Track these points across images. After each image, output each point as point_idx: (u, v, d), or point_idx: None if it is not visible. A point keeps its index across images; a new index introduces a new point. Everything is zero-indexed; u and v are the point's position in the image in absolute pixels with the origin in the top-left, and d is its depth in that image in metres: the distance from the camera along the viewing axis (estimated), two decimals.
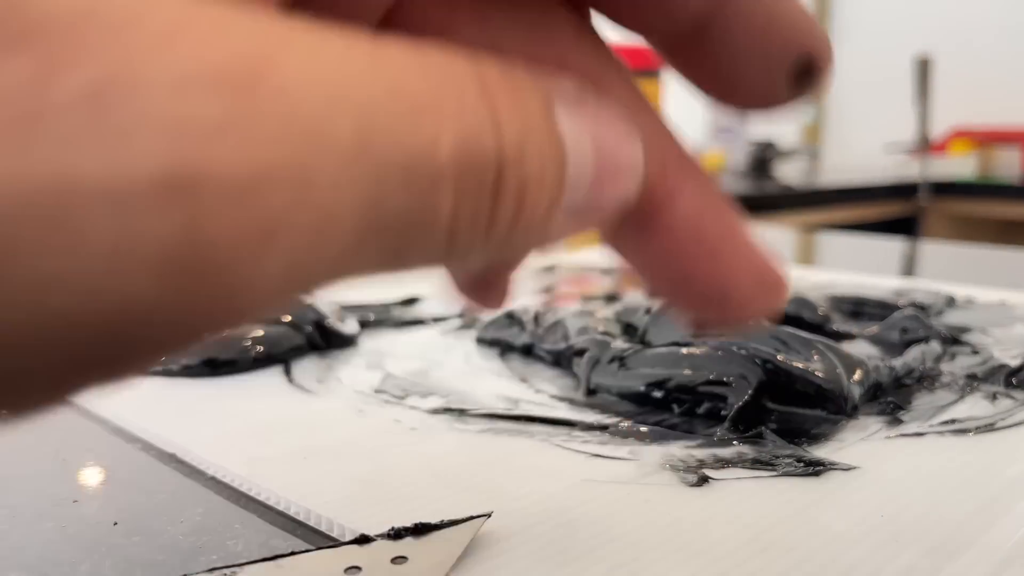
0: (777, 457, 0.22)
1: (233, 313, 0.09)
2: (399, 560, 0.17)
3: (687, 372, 0.26)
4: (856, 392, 0.26)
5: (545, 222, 0.11)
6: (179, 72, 0.08)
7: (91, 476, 0.22)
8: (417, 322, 0.38)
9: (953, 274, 0.54)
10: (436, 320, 0.39)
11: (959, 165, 1.85)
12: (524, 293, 0.47)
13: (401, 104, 0.09)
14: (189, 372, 0.29)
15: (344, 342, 0.34)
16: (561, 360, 0.31)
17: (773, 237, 0.91)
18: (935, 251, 0.81)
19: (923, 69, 1.65)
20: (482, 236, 0.11)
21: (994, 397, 0.27)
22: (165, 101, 0.08)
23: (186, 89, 0.08)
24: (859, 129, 2.31)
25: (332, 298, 0.38)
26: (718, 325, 0.14)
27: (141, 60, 0.08)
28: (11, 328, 0.08)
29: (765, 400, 0.26)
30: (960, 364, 0.31)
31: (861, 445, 0.23)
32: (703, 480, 0.21)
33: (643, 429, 0.24)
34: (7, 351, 0.08)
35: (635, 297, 0.40)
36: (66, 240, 0.08)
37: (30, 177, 0.07)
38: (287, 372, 0.30)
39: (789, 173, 1.94)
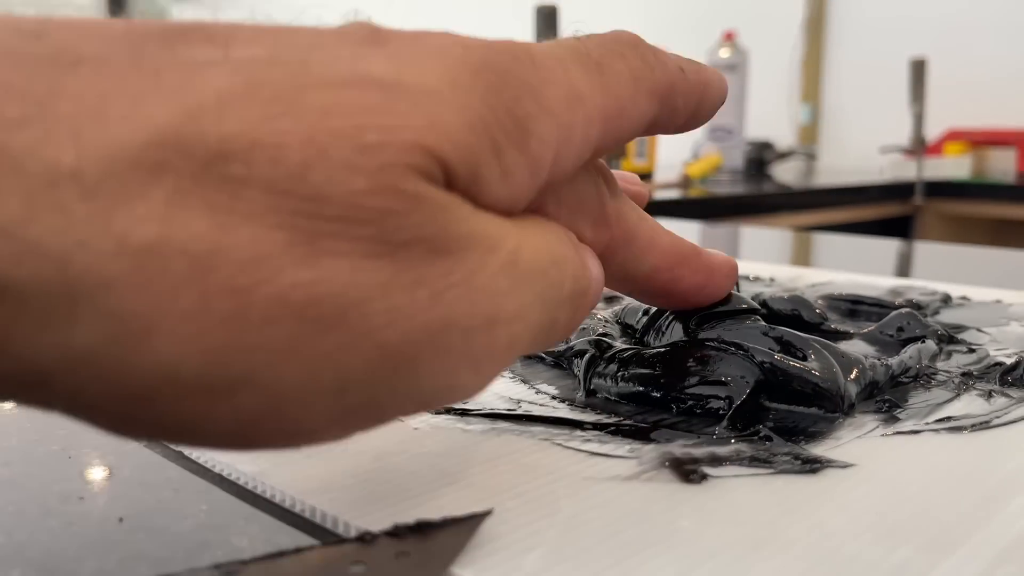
0: (774, 455, 0.22)
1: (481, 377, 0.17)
2: (402, 556, 0.17)
3: (685, 372, 0.26)
4: (852, 390, 0.26)
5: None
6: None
7: (97, 473, 0.23)
8: None
9: (949, 273, 0.54)
10: None
11: (954, 166, 1.85)
12: None
13: (554, 262, 0.18)
14: None
15: None
16: (561, 361, 0.31)
17: (770, 237, 0.91)
18: (931, 251, 0.81)
19: (918, 71, 1.65)
20: (570, 331, 0.19)
21: (989, 395, 0.27)
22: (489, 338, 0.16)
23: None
24: (855, 130, 2.32)
25: None
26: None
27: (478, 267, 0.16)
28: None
29: (763, 399, 0.26)
30: (956, 362, 0.31)
31: (857, 443, 0.24)
32: (702, 478, 0.21)
33: (642, 428, 0.24)
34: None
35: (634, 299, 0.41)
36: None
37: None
38: None
39: (786, 174, 1.94)
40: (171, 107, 0.13)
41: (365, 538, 0.18)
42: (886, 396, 0.27)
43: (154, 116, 0.13)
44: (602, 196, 0.21)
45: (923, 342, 0.32)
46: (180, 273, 0.12)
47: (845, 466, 0.22)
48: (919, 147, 1.69)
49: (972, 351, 0.32)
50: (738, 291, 0.28)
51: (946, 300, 0.42)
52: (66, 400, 0.13)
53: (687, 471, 0.21)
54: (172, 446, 0.24)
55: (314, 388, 0.14)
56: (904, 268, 0.67)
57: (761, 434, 0.24)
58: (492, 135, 0.15)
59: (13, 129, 0.12)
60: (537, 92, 0.17)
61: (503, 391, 0.28)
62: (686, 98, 0.21)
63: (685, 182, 1.56)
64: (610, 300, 0.44)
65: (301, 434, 0.15)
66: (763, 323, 0.29)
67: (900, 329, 0.34)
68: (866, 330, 0.35)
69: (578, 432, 0.24)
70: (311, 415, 0.15)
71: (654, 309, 0.32)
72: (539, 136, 0.16)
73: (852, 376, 0.26)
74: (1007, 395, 0.27)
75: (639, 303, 0.34)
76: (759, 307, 0.30)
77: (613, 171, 0.22)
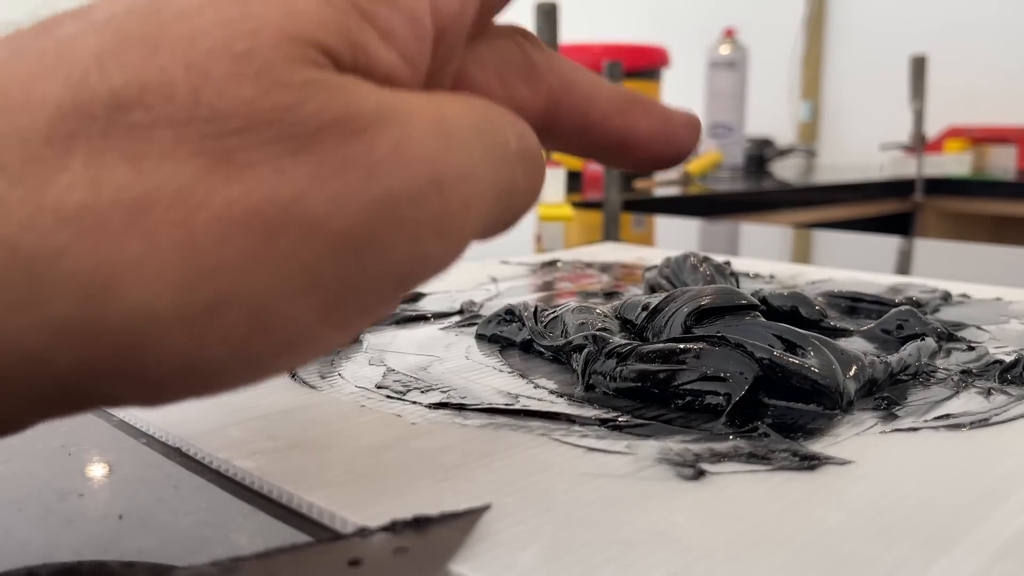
0: (773, 451, 0.22)
1: (456, 244, 0.17)
2: (399, 552, 0.17)
3: (684, 368, 0.26)
4: (851, 387, 0.26)
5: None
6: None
7: (96, 470, 0.23)
8: (418, 318, 0.39)
9: (948, 271, 0.54)
10: (437, 317, 0.39)
11: (954, 163, 1.85)
12: (524, 290, 0.47)
13: (485, 119, 0.17)
14: None
15: None
16: (560, 356, 0.31)
17: (770, 234, 0.91)
18: (931, 248, 0.81)
19: (919, 68, 1.65)
20: (533, 194, 0.19)
21: (988, 393, 0.27)
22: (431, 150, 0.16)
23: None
24: (855, 127, 2.31)
25: None
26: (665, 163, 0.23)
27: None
28: None
29: (761, 395, 0.26)
30: (955, 360, 0.31)
31: (856, 440, 0.24)
32: (699, 474, 0.21)
33: (640, 423, 0.24)
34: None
35: (633, 294, 0.41)
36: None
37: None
38: None
39: (786, 171, 1.94)
40: (58, 80, 0.14)
41: (362, 534, 0.18)
42: (885, 393, 0.27)
43: (47, 94, 0.14)
44: (524, 49, 0.21)
45: (922, 340, 0.32)
46: (119, 223, 0.13)
47: (843, 463, 0.22)
48: (919, 144, 1.69)
49: (971, 349, 0.32)
50: (738, 287, 0.29)
51: (946, 298, 0.42)
52: (73, 375, 0.14)
53: (685, 467, 0.21)
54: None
55: (287, 292, 0.15)
56: (904, 265, 0.67)
57: (759, 430, 0.24)
58: (353, 1, 0.16)
59: None
60: None
61: (501, 386, 0.28)
62: None
63: (685, 179, 1.56)
64: (610, 296, 0.44)
65: (298, 342, 0.15)
66: (762, 319, 0.29)
67: (900, 326, 0.34)
68: (865, 327, 0.35)
69: (576, 427, 0.24)
70: (296, 319, 0.15)
71: (654, 304, 0.32)
72: None
73: (851, 373, 0.26)
74: (1006, 393, 0.27)
75: (639, 298, 0.34)
76: (758, 303, 0.30)
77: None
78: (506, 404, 0.26)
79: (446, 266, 0.17)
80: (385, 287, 0.16)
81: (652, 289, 0.42)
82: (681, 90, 1.89)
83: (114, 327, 0.14)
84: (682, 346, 0.27)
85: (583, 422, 0.25)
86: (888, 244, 0.77)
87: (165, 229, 0.14)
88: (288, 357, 0.16)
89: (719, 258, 0.44)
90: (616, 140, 0.23)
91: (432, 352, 0.33)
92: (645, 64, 1.50)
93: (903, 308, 0.35)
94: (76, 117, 0.14)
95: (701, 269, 0.41)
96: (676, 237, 0.88)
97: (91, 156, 0.14)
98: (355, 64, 0.16)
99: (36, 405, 0.15)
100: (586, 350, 0.29)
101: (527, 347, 0.33)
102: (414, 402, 0.27)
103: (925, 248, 0.80)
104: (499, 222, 0.19)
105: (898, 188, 1.73)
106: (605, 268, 0.55)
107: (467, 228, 0.17)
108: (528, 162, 0.19)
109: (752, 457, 0.22)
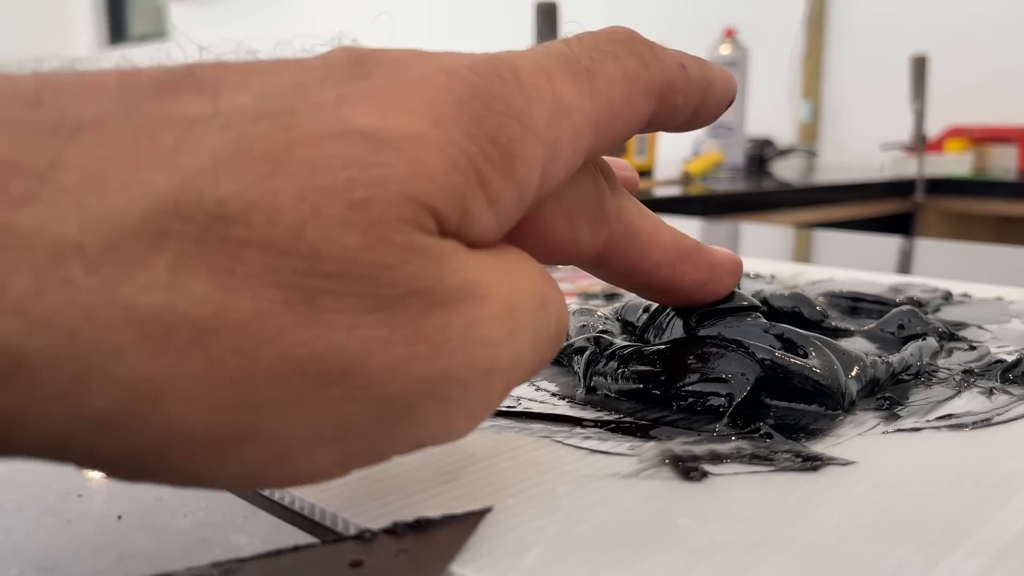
0: (775, 452, 0.22)
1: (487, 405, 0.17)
2: (401, 554, 0.17)
3: (686, 369, 0.26)
4: (853, 388, 0.26)
5: None
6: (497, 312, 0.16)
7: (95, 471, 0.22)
8: None
9: (950, 271, 0.54)
10: None
11: (955, 163, 1.85)
12: None
13: (541, 304, 0.18)
14: None
15: None
16: (561, 358, 0.31)
17: (771, 234, 0.91)
18: (932, 248, 0.81)
19: (919, 67, 1.65)
20: (547, 364, 0.19)
21: (990, 392, 0.27)
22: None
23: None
24: (856, 127, 2.31)
25: None
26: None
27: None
28: None
29: (763, 396, 0.26)
30: (957, 360, 0.31)
31: (858, 440, 0.23)
32: (702, 475, 0.21)
33: (642, 425, 0.24)
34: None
35: (634, 296, 0.41)
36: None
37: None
38: None
39: (787, 171, 1.94)
40: (168, 172, 0.13)
41: (364, 536, 0.18)
42: (887, 393, 0.27)
43: (152, 183, 0.13)
44: (601, 194, 0.21)
45: (924, 339, 0.32)
46: (185, 338, 0.13)
47: (846, 464, 0.22)
48: (920, 144, 1.69)
49: (973, 348, 0.32)
50: (739, 288, 0.28)
51: (947, 297, 0.42)
52: (84, 458, 0.14)
53: (687, 469, 0.21)
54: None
55: (317, 437, 0.15)
56: (905, 265, 0.67)
57: (762, 431, 0.24)
58: (477, 167, 0.16)
59: (20, 206, 0.12)
60: (522, 112, 0.16)
61: None
62: (687, 95, 0.21)
63: (685, 179, 1.56)
64: (610, 297, 0.44)
65: (303, 477, 0.16)
66: (764, 320, 0.29)
67: (901, 326, 0.34)
68: (867, 327, 0.35)
69: (578, 429, 0.24)
70: (313, 461, 0.15)
71: (655, 306, 0.32)
72: (524, 158, 0.16)
73: (853, 373, 0.26)
74: (1008, 392, 0.27)
75: (640, 300, 0.34)
76: (760, 304, 0.30)
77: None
78: (508, 406, 0.26)
79: (462, 437, 0.17)
80: (404, 448, 0.16)
81: None
82: None
83: (145, 435, 0.13)
84: (684, 347, 0.27)
85: (585, 424, 0.25)
86: (889, 244, 0.77)
87: (227, 355, 0.13)
88: (287, 485, 0.16)
89: None
90: (660, 286, 0.24)
91: None
92: None
93: (904, 308, 0.35)
94: (174, 216, 0.13)
95: None
96: None
97: (178, 260, 0.13)
98: (457, 228, 0.16)
99: (32, 458, 0.15)
100: (588, 352, 0.29)
101: None
102: None
103: (926, 248, 0.80)
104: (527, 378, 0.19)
105: (899, 188, 1.72)
106: None
107: (494, 409, 0.17)
108: (557, 341, 0.19)
109: (754, 458, 0.22)
